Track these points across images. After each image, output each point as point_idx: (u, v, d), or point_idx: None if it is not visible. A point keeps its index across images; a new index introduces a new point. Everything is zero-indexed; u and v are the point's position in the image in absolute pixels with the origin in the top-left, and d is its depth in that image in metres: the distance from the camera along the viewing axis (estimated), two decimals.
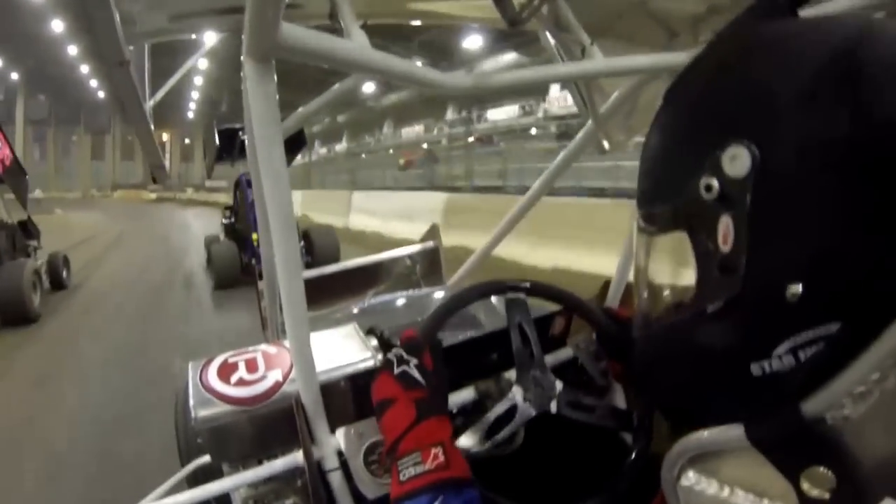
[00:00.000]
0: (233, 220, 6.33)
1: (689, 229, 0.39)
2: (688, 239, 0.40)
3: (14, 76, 25.96)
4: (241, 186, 5.62)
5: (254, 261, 5.25)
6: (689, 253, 0.40)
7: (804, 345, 0.34)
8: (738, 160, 0.35)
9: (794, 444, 0.33)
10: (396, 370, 0.60)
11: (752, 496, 0.35)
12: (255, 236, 5.05)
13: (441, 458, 0.53)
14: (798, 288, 0.33)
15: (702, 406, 0.41)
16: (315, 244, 5.80)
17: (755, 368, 0.35)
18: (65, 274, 5.80)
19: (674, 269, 0.44)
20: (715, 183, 0.36)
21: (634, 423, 0.67)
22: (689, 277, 0.40)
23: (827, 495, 0.32)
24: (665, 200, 0.41)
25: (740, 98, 0.37)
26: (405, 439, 0.55)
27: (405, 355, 0.61)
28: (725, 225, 0.36)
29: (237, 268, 5.54)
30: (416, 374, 0.59)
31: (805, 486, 0.32)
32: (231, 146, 5.27)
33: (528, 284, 0.74)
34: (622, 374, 0.76)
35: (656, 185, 0.43)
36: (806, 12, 0.42)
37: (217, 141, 6.00)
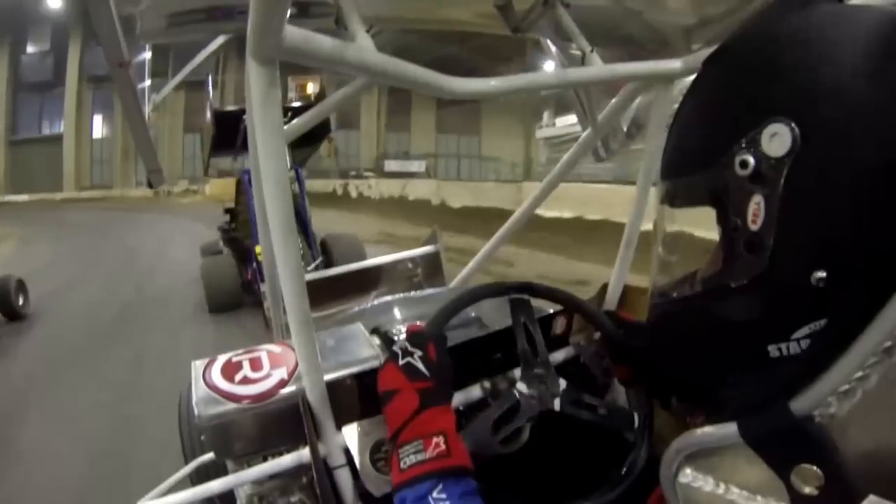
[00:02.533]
0: (232, 225, 5.31)
1: (717, 203, 0.39)
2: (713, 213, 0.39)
3: None
4: (243, 186, 4.75)
5: (260, 279, 4.53)
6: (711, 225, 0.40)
7: (821, 332, 0.34)
8: (778, 139, 0.34)
9: (784, 442, 0.34)
10: (401, 361, 0.61)
11: (746, 493, 0.36)
12: (258, 249, 4.08)
13: (442, 446, 0.54)
14: (823, 274, 0.33)
15: (712, 382, 0.41)
16: (334, 254, 4.63)
17: (773, 350, 0.36)
18: (20, 301, 4.73)
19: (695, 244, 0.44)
20: (751, 159, 0.35)
21: (636, 422, 0.68)
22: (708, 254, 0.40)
23: (816, 492, 0.32)
24: (695, 172, 0.40)
25: (787, 77, 0.36)
26: (407, 428, 0.56)
27: (409, 347, 0.62)
28: (757, 204, 0.35)
29: (236, 286, 4.47)
30: (420, 365, 0.60)
31: (795, 482, 0.33)
32: (232, 135, 4.46)
33: (531, 287, 0.75)
34: (626, 378, 0.77)
35: (687, 156, 0.42)
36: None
37: (214, 128, 5.12)
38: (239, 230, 5.07)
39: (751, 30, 0.42)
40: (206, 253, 5.45)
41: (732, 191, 0.37)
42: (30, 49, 22.21)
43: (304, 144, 5.16)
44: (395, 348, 0.63)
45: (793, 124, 0.34)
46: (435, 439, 0.54)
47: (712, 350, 0.41)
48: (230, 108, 5.00)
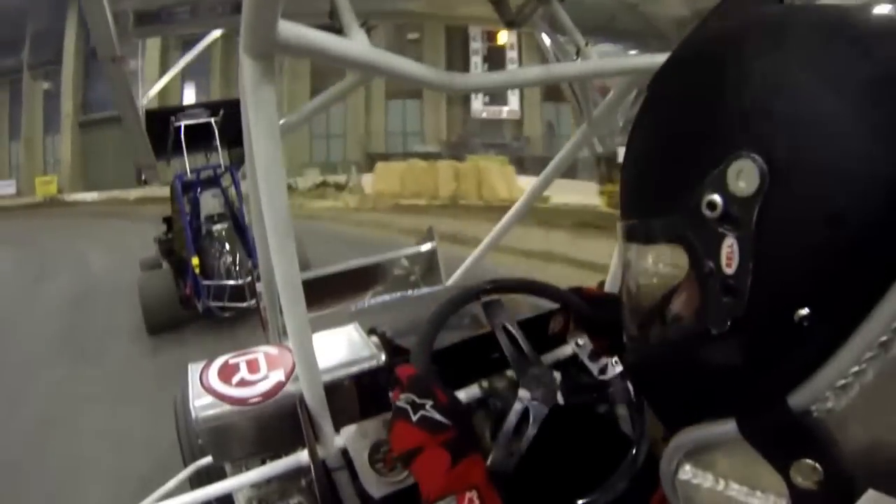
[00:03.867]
0: (169, 235, 4.80)
1: (685, 244, 0.36)
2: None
3: None
4: (176, 193, 4.32)
5: (199, 295, 3.99)
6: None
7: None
8: (745, 176, 0.31)
9: (783, 438, 0.33)
10: (414, 417, 0.59)
11: (745, 489, 0.36)
12: (195, 261, 3.99)
13: (476, 501, 0.54)
14: (805, 311, 0.31)
15: (703, 417, 0.39)
16: None
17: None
18: None
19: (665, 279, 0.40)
20: (718, 200, 0.32)
21: (631, 394, 0.68)
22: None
23: (815, 487, 0.32)
24: (657, 214, 0.37)
25: (744, 103, 0.32)
26: (439, 485, 0.55)
27: (417, 399, 0.60)
28: (730, 246, 0.33)
29: (174, 303, 4.10)
30: (436, 415, 0.58)
31: (795, 477, 0.33)
32: (163, 136, 4.23)
33: (497, 285, 0.74)
34: (609, 348, 0.77)
35: (647, 196, 0.39)
36: None
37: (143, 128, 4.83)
38: (175, 241, 4.62)
39: (695, 44, 0.38)
40: (145, 267, 4.95)
41: (702, 234, 0.34)
42: None
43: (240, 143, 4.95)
44: (402, 403, 0.60)
45: (758, 158, 0.31)
46: (468, 494, 0.54)
47: (699, 394, 0.39)
48: (158, 108, 4.73)
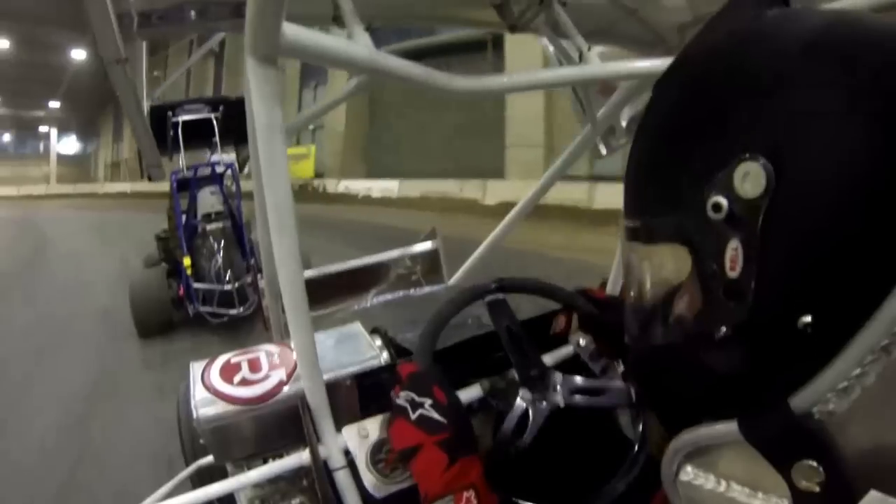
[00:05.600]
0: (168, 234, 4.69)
1: (689, 246, 0.35)
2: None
3: None
4: (172, 190, 4.17)
5: (191, 298, 3.81)
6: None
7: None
8: (751, 178, 0.31)
9: (784, 439, 0.34)
10: (413, 416, 0.59)
11: (747, 490, 0.36)
12: (186, 261, 3.80)
13: (474, 501, 0.54)
14: (808, 319, 0.31)
15: (704, 419, 0.39)
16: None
17: (764, 395, 0.34)
18: None
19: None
20: (724, 202, 0.32)
21: (633, 398, 0.68)
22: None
23: (817, 488, 0.32)
24: (662, 214, 0.37)
25: (753, 105, 0.32)
26: (437, 484, 0.56)
27: (416, 398, 0.60)
28: (734, 249, 0.32)
29: (166, 305, 3.93)
30: (434, 414, 0.59)
31: (796, 479, 0.33)
32: (161, 132, 4.06)
33: (502, 285, 0.74)
34: (611, 350, 0.77)
35: (652, 197, 0.39)
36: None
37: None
38: (170, 239, 4.42)
39: (702, 46, 0.38)
40: (149, 264, 4.79)
41: (706, 235, 0.34)
42: None
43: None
44: (402, 401, 0.61)
45: (765, 161, 0.31)
46: (465, 494, 0.54)
47: (701, 397, 0.39)
48: (158, 104, 4.43)
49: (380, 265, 1.29)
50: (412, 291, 1.24)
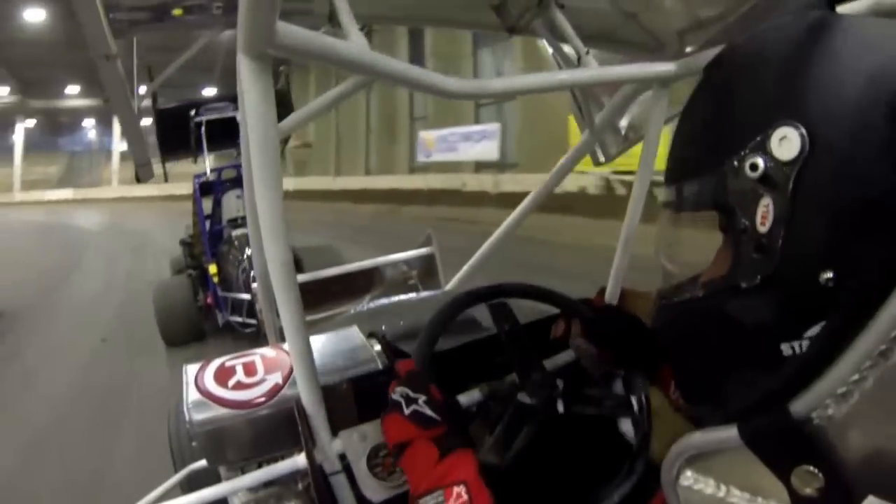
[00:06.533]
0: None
1: (724, 206, 0.39)
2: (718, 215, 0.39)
3: None
4: (195, 195, 4.06)
5: (219, 306, 3.70)
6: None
7: (819, 335, 0.34)
8: (787, 142, 0.35)
9: (783, 444, 0.34)
10: (407, 410, 0.59)
11: (747, 495, 0.36)
12: (212, 269, 3.68)
13: (464, 496, 0.53)
14: (830, 275, 0.34)
15: (723, 381, 0.41)
16: (307, 270, 3.90)
17: (785, 348, 0.36)
18: None
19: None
20: (760, 162, 0.36)
21: (634, 408, 0.68)
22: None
23: (816, 494, 0.32)
24: (703, 175, 0.40)
25: (796, 81, 0.36)
26: (427, 478, 0.55)
27: (412, 393, 0.60)
28: (766, 206, 0.36)
29: (191, 313, 3.77)
30: (428, 410, 0.59)
31: (796, 484, 0.33)
32: (182, 133, 3.87)
33: (502, 289, 0.74)
34: (614, 360, 0.78)
35: (695, 158, 0.42)
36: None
37: (158, 129, 3.91)
38: (195, 245, 4.28)
39: (758, 34, 0.42)
40: (175, 269, 4.64)
41: (741, 193, 0.37)
42: None
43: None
44: (397, 396, 0.61)
45: (802, 128, 0.35)
46: (456, 489, 0.54)
47: (725, 350, 0.41)
48: (175, 104, 4.26)
49: (376, 270, 1.28)
50: (409, 296, 1.24)
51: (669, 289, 0.46)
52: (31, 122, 25.68)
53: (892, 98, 0.33)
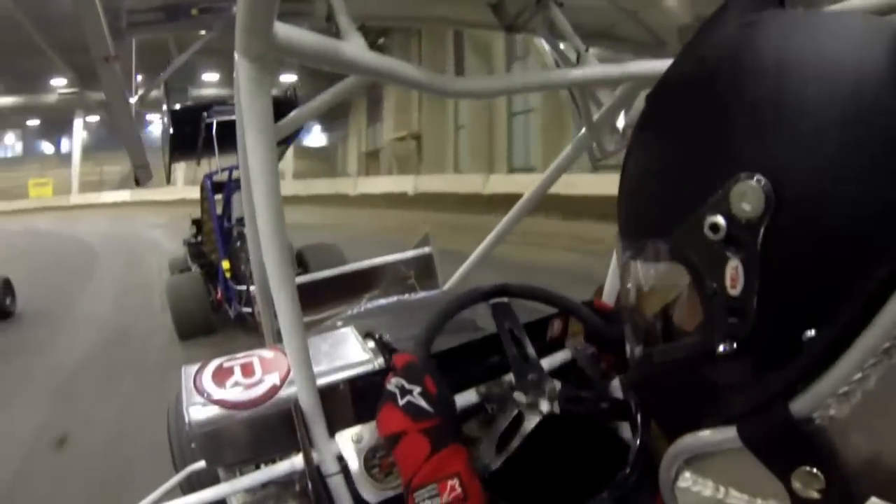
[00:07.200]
0: (199, 238, 4.76)
1: (687, 266, 0.35)
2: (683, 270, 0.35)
3: None
4: (207, 193, 4.23)
5: (230, 300, 3.91)
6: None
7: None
8: (749, 198, 0.30)
9: (784, 445, 0.33)
10: (401, 401, 0.59)
11: (746, 497, 0.35)
12: (225, 265, 3.88)
13: (458, 490, 0.53)
14: (813, 333, 0.31)
15: (704, 424, 0.39)
16: (311, 268, 4.15)
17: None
18: (7, 300, 5.01)
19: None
20: (721, 222, 0.32)
21: (633, 412, 0.67)
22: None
23: (817, 495, 0.32)
24: (658, 235, 0.36)
25: (747, 119, 0.31)
26: (420, 472, 0.55)
27: (406, 384, 0.60)
28: (734, 268, 0.32)
29: (205, 308, 3.99)
30: (421, 402, 0.58)
31: (796, 486, 0.32)
32: (193, 135, 3.98)
33: (507, 289, 0.74)
34: (615, 365, 0.77)
35: (648, 216, 0.38)
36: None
37: (171, 128, 4.23)
38: (205, 243, 4.52)
39: (695, 57, 0.36)
40: (175, 269, 4.79)
41: (705, 256, 0.33)
42: None
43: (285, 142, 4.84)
44: (392, 387, 0.61)
45: (763, 180, 0.30)
46: (450, 482, 0.54)
47: (700, 405, 0.38)
48: (189, 105, 4.38)
49: (373, 270, 1.28)
50: (406, 296, 1.24)
51: (636, 343, 0.43)
52: (92, 118, 22.87)
53: (868, 133, 0.29)
